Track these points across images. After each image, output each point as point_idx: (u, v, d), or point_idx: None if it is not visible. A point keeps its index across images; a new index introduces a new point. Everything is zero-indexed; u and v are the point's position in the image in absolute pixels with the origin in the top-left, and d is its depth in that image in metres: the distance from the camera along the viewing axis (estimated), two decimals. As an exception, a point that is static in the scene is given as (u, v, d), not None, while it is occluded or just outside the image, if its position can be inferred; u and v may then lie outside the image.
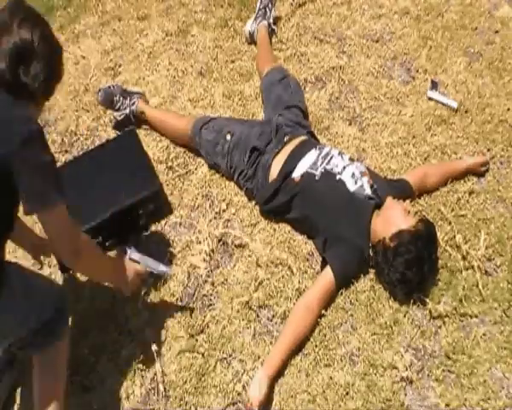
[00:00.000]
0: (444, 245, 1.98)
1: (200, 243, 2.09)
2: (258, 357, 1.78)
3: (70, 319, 1.77)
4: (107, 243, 2.02)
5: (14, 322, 1.53)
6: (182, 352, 1.80)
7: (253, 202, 2.19)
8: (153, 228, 2.15)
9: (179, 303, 1.93)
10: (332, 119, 2.50)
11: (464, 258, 1.94)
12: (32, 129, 1.42)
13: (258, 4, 2.89)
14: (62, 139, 2.57)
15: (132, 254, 1.75)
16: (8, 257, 1.52)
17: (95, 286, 1.96)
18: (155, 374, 1.76)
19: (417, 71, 2.69)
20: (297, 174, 2.02)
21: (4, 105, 1.40)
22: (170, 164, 2.36)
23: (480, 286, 1.86)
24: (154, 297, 1.93)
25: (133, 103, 2.49)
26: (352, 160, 2.06)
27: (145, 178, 2.12)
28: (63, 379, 1.65)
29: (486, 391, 1.66)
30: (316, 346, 1.78)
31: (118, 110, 2.51)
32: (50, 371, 1.64)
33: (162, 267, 1.78)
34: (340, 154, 2.06)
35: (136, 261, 1.74)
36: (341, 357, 1.76)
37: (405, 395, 1.67)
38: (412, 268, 1.78)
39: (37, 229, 1.91)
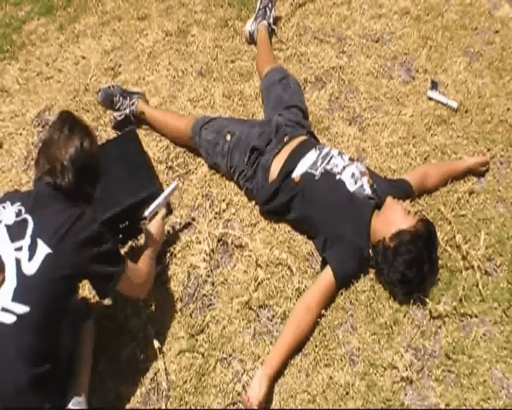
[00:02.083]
0: (444, 245, 1.98)
1: (200, 243, 2.09)
2: (258, 357, 1.77)
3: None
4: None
5: None
6: (182, 352, 1.80)
7: (253, 202, 2.19)
8: (153, 228, 2.15)
9: (179, 303, 1.93)
10: (332, 119, 2.50)
11: (464, 258, 1.94)
12: (98, 227, 1.52)
13: (258, 4, 2.89)
14: (62, 139, 2.57)
15: (146, 212, 1.92)
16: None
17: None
18: (158, 371, 1.75)
19: (417, 71, 2.70)
20: (297, 174, 2.02)
21: (71, 213, 1.49)
22: (170, 164, 2.36)
23: (480, 286, 1.86)
24: (154, 297, 1.93)
25: (133, 103, 2.49)
26: (351, 160, 2.06)
27: (145, 178, 2.12)
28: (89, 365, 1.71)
29: (486, 391, 1.66)
30: (316, 346, 1.78)
31: (118, 110, 2.51)
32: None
33: (170, 187, 2.02)
34: (340, 154, 2.06)
35: (153, 214, 1.93)
36: (341, 357, 1.76)
37: (405, 395, 1.67)
38: (412, 268, 1.78)
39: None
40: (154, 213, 1.95)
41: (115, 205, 2.00)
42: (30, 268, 1.40)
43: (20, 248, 1.42)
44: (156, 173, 2.27)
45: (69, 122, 1.61)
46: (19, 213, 1.48)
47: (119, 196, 2.02)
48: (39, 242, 1.42)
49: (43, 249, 1.41)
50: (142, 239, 2.10)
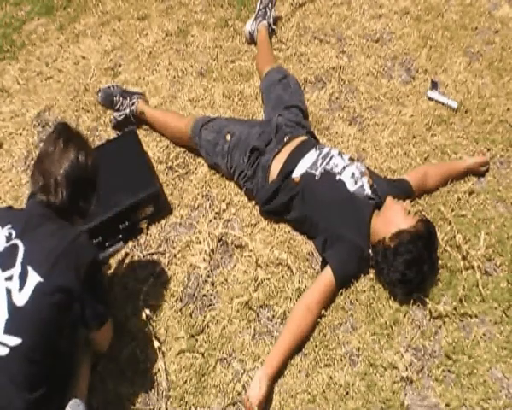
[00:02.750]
0: (444, 245, 1.98)
1: (200, 243, 2.09)
2: (258, 357, 1.77)
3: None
4: (106, 244, 2.02)
5: None
6: (182, 352, 1.80)
7: (253, 202, 2.19)
8: (153, 228, 2.15)
9: (179, 303, 1.93)
10: (332, 119, 2.50)
11: (464, 258, 1.94)
12: (95, 253, 1.52)
13: (258, 4, 2.89)
14: (62, 139, 2.57)
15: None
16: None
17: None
18: (158, 371, 1.75)
19: (417, 71, 2.70)
20: (297, 174, 2.02)
21: (65, 238, 1.46)
22: (170, 164, 2.36)
23: (480, 286, 1.86)
24: (154, 297, 1.93)
25: (133, 103, 2.49)
26: (352, 160, 2.06)
27: (144, 178, 2.12)
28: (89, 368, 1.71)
29: (486, 391, 1.66)
30: (316, 346, 1.78)
31: (118, 110, 2.51)
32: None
33: (112, 250, 2.02)
34: (340, 154, 2.06)
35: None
36: (341, 357, 1.76)
37: (405, 395, 1.67)
38: (412, 268, 1.78)
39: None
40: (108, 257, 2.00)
41: (115, 205, 2.00)
42: (21, 299, 1.37)
43: (10, 278, 1.38)
44: (156, 174, 2.27)
45: (64, 134, 1.57)
46: (9, 238, 1.43)
47: (118, 196, 2.02)
48: (30, 270, 1.38)
49: (33, 278, 1.38)
50: (142, 239, 2.11)
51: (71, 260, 1.43)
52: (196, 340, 1.83)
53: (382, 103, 2.56)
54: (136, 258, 2.06)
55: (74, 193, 1.52)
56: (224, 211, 2.18)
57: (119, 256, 2.06)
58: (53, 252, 1.42)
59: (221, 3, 3.17)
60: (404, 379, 1.69)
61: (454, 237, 1.99)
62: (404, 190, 2.05)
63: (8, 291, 1.37)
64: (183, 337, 1.83)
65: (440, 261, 1.93)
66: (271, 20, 2.88)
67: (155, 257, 2.06)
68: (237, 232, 2.09)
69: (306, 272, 1.97)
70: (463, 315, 1.82)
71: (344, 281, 1.88)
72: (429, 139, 2.39)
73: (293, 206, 2.03)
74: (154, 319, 1.88)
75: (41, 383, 1.39)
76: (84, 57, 2.94)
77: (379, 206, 1.94)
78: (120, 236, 2.06)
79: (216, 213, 2.18)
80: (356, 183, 1.96)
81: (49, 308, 1.39)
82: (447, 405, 1.64)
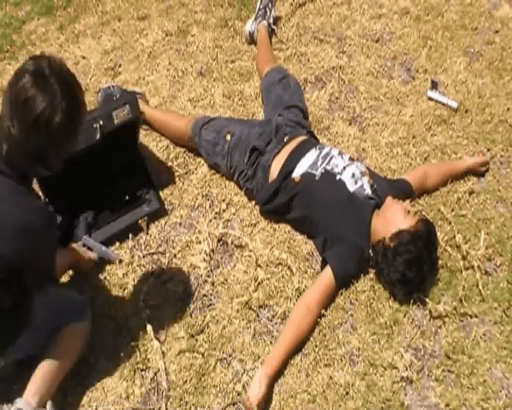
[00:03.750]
0: (444, 245, 1.98)
1: (200, 243, 2.09)
2: (258, 357, 1.77)
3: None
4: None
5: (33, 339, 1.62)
6: (182, 352, 1.80)
7: (253, 202, 2.19)
8: (153, 228, 2.15)
9: (179, 303, 1.93)
10: (332, 119, 2.50)
11: (464, 258, 1.94)
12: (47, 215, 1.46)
13: (258, 4, 2.89)
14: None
15: (86, 241, 1.99)
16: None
17: (95, 286, 1.97)
18: (158, 371, 1.75)
19: (417, 71, 2.70)
20: (297, 174, 2.02)
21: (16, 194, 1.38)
22: (170, 164, 2.36)
23: (480, 286, 1.86)
24: (153, 297, 1.93)
25: (133, 103, 2.49)
26: (352, 160, 2.06)
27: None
28: (68, 365, 1.69)
29: (486, 391, 1.66)
30: (316, 346, 1.78)
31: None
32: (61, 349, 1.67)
33: (111, 255, 2.02)
34: (340, 154, 2.06)
35: (89, 248, 1.98)
36: (341, 357, 1.75)
37: (405, 395, 1.67)
38: (412, 268, 1.78)
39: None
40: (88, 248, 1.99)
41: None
42: None
43: None
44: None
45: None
46: None
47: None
48: None
49: None
50: (142, 239, 2.11)
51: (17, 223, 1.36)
52: (196, 340, 1.83)
53: (382, 103, 2.56)
54: (136, 258, 2.06)
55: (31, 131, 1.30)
56: (224, 211, 2.18)
57: (119, 256, 2.06)
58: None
59: (221, 3, 3.17)
60: (404, 379, 1.69)
61: (454, 237, 1.99)
62: (404, 190, 2.05)
63: None
64: (183, 337, 1.83)
65: (440, 261, 1.93)
66: (271, 20, 2.88)
67: (155, 257, 2.06)
68: (237, 232, 2.09)
69: (306, 272, 1.97)
70: (463, 315, 1.82)
71: (344, 281, 1.88)
72: (429, 139, 2.39)
73: (293, 206, 2.03)
74: (154, 319, 1.88)
75: None
76: (84, 57, 2.94)
77: (379, 206, 1.94)
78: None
79: (216, 213, 2.18)
80: (356, 183, 1.96)
81: None
82: (447, 405, 1.64)
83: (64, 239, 2.02)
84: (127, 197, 2.17)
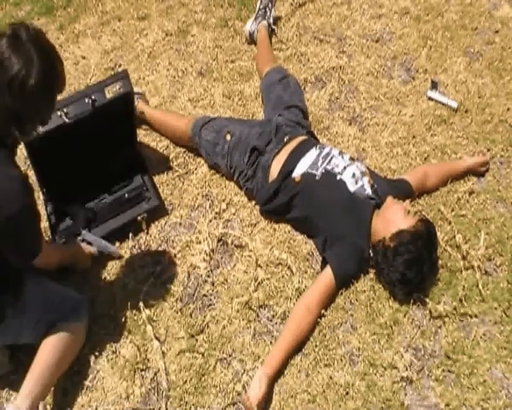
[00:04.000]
0: (444, 245, 1.98)
1: (200, 243, 2.09)
2: (258, 357, 1.77)
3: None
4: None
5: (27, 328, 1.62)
6: (182, 352, 1.80)
7: (253, 202, 2.19)
8: (153, 228, 2.15)
9: (179, 303, 1.93)
10: (332, 119, 2.50)
11: (464, 258, 1.94)
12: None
13: (258, 4, 2.89)
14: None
15: (86, 235, 2.00)
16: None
17: (95, 286, 1.97)
18: (158, 371, 1.75)
19: (417, 71, 2.70)
20: (297, 174, 2.02)
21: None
22: (170, 164, 2.36)
23: (480, 286, 1.86)
24: (154, 297, 1.93)
25: (133, 103, 2.49)
26: (352, 159, 2.06)
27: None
28: (62, 368, 1.68)
29: (486, 391, 1.66)
30: (316, 346, 1.78)
31: (118, 110, 2.51)
32: (56, 350, 1.65)
33: (111, 248, 2.02)
34: (341, 154, 2.06)
35: (89, 243, 1.99)
36: (341, 357, 1.76)
37: (405, 395, 1.67)
38: (412, 268, 1.78)
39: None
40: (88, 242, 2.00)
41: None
42: None
43: None
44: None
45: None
46: None
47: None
48: None
49: None
50: (142, 239, 2.11)
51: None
52: (196, 340, 1.83)
53: (382, 103, 2.56)
54: (136, 258, 2.05)
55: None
56: (224, 211, 2.18)
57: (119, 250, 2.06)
58: None
59: (221, 3, 3.17)
60: (404, 379, 1.69)
61: (454, 237, 1.99)
62: (404, 190, 2.05)
63: None
64: (183, 337, 1.83)
65: (440, 261, 1.93)
66: (271, 20, 2.88)
67: (155, 257, 2.06)
68: (237, 232, 2.09)
69: (306, 272, 1.97)
70: (463, 315, 1.82)
71: (344, 281, 1.88)
72: (429, 139, 2.39)
73: (294, 206, 2.03)
74: (154, 319, 1.88)
75: None
76: (84, 57, 2.94)
77: (379, 206, 1.94)
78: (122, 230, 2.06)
79: (216, 213, 2.18)
80: (356, 183, 1.96)
81: None
82: (447, 405, 1.64)
83: (54, 228, 2.04)
84: (127, 196, 2.17)
